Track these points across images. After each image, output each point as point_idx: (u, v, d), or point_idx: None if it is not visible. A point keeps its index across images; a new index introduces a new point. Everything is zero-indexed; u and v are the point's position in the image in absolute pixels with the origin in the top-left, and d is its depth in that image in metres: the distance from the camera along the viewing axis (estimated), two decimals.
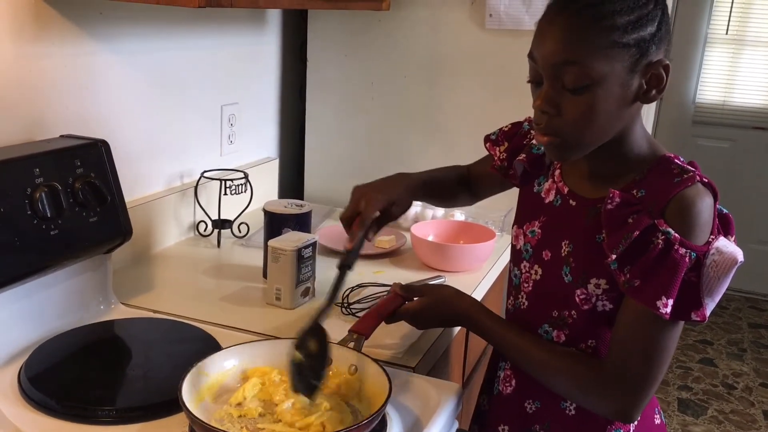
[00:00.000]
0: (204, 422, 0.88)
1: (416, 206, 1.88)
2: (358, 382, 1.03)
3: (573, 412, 1.09)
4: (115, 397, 1.08)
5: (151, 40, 1.58)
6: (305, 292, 1.41)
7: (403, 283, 1.23)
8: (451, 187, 1.39)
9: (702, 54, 4.27)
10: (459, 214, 1.84)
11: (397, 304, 1.18)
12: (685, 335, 3.84)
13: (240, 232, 1.76)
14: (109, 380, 1.11)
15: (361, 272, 1.56)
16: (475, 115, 1.95)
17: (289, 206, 1.53)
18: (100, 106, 1.46)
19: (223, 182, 1.72)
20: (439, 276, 1.49)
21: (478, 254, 1.62)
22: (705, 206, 0.95)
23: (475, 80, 1.93)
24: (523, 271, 1.14)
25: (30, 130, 1.31)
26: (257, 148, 2.08)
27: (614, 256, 0.95)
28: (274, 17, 2.06)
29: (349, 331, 1.13)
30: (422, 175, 1.34)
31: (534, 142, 1.18)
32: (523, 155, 1.18)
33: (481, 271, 1.62)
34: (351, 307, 1.36)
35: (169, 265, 1.60)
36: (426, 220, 1.79)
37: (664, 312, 0.93)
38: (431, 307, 1.17)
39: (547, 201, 1.13)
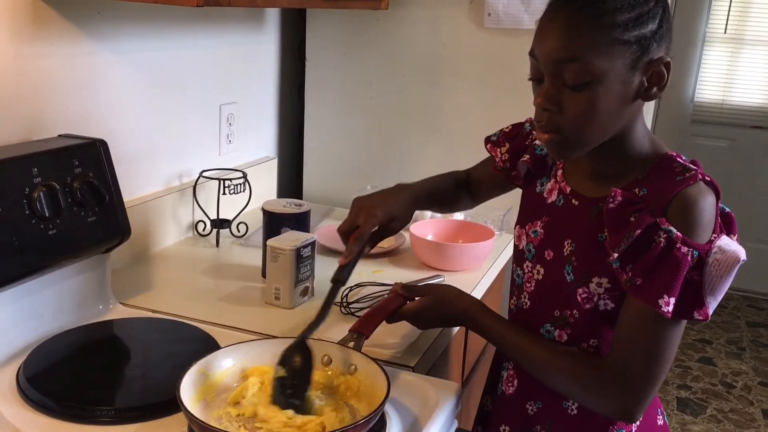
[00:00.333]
0: (202, 421, 0.88)
1: None
2: (357, 382, 1.03)
3: (575, 412, 1.08)
4: (114, 397, 1.07)
5: (150, 40, 1.58)
6: (304, 291, 1.41)
7: (402, 282, 1.23)
8: (451, 193, 1.39)
9: (700, 53, 4.27)
10: (458, 214, 1.84)
11: (398, 304, 1.18)
12: (684, 334, 3.81)
13: (239, 231, 1.75)
14: (108, 380, 1.11)
15: (360, 272, 1.55)
16: (474, 114, 1.94)
17: (288, 206, 1.52)
18: (98, 105, 1.46)
19: (222, 182, 1.71)
20: (438, 275, 1.49)
21: (477, 253, 1.61)
22: (707, 205, 0.95)
23: (473, 79, 1.93)
24: (526, 271, 1.14)
25: (28, 129, 1.31)
26: (256, 147, 2.07)
27: (616, 255, 0.95)
28: (272, 16, 2.06)
29: (350, 330, 1.13)
30: (422, 185, 1.33)
31: (537, 142, 1.18)
32: (527, 156, 1.18)
33: (480, 270, 1.62)
34: (350, 306, 1.36)
35: (167, 265, 1.59)
36: (425, 220, 1.79)
37: (666, 311, 0.92)
38: (432, 307, 1.17)
39: (549, 201, 1.13)
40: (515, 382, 1.15)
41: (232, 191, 1.73)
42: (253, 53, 2.00)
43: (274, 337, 1.18)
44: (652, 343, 0.97)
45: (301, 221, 1.51)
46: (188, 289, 1.47)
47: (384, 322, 1.17)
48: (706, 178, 0.98)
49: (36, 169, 1.14)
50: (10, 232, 1.09)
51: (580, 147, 1.00)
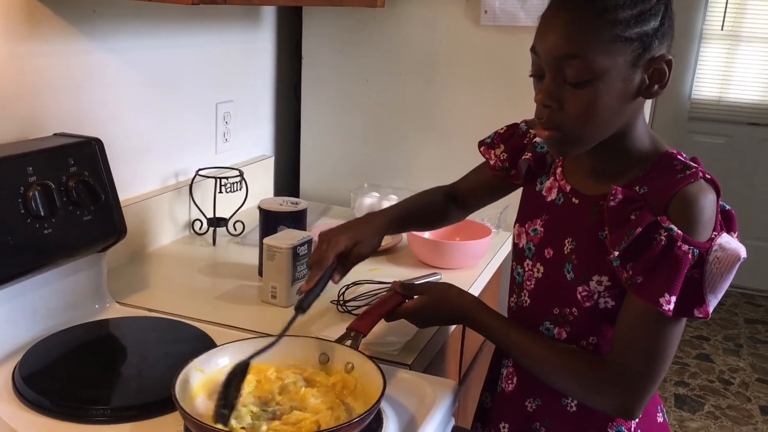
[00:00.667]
0: (197, 419, 0.88)
1: None
2: (354, 380, 1.03)
3: (574, 409, 1.08)
4: (110, 396, 1.07)
5: (146, 38, 1.58)
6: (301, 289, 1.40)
7: (400, 280, 1.23)
8: (435, 208, 1.38)
9: (697, 50, 4.27)
10: None
11: (397, 302, 1.18)
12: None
13: (235, 230, 1.75)
14: (104, 379, 1.11)
15: (357, 270, 1.55)
16: (471, 112, 1.94)
17: (285, 204, 1.52)
18: (93, 104, 1.46)
19: (218, 180, 1.71)
20: (435, 273, 1.49)
21: (474, 251, 1.61)
22: (708, 203, 0.95)
23: (470, 77, 1.93)
24: (526, 269, 1.14)
25: (23, 128, 1.30)
26: (252, 145, 2.07)
27: (617, 253, 0.95)
28: (268, 14, 2.06)
29: (347, 328, 1.13)
30: (395, 209, 1.33)
31: (537, 140, 1.17)
32: (529, 154, 1.18)
33: (477, 268, 1.62)
34: (347, 304, 1.35)
35: (164, 264, 1.59)
36: None
37: (666, 309, 0.92)
38: (431, 306, 1.17)
39: (549, 199, 1.12)
40: (514, 379, 1.15)
41: (228, 190, 1.73)
42: (249, 51, 2.00)
43: (271, 335, 1.17)
44: (652, 341, 0.97)
45: (297, 219, 1.50)
46: (185, 288, 1.47)
47: (382, 320, 1.17)
48: (707, 175, 0.98)
49: (31, 168, 1.14)
50: (5, 232, 1.08)
51: (580, 144, 1.00)
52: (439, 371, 1.41)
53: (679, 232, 0.93)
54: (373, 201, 1.89)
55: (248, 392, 1.00)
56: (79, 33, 1.39)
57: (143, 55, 1.58)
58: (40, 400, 1.00)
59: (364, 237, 1.23)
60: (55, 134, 1.32)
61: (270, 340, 1.06)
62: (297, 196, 2.15)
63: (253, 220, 1.68)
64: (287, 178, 2.27)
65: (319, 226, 1.78)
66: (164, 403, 0.97)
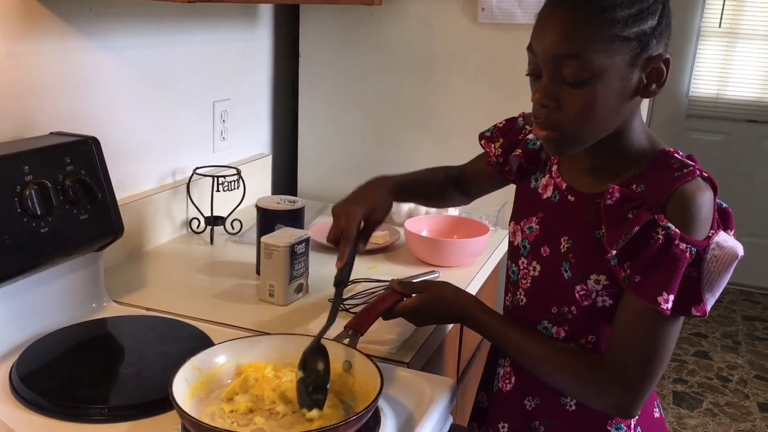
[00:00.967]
0: (194, 418, 0.87)
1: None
2: (352, 379, 1.03)
3: (573, 408, 1.08)
4: (108, 395, 1.07)
5: (142, 37, 1.57)
6: (298, 288, 1.40)
7: (397, 278, 1.23)
8: (439, 187, 1.38)
9: (695, 47, 4.27)
10: (453, 210, 1.84)
11: (395, 301, 1.18)
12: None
13: (233, 228, 1.75)
14: (102, 378, 1.11)
15: (355, 268, 1.55)
16: (469, 110, 1.94)
17: (282, 202, 1.52)
18: (90, 103, 1.46)
19: (216, 179, 1.71)
20: (433, 271, 1.49)
21: (471, 249, 1.61)
22: (705, 201, 0.95)
23: (468, 74, 1.93)
24: (521, 267, 1.14)
25: (19, 127, 1.30)
26: (250, 144, 2.07)
27: (614, 252, 0.95)
28: (265, 12, 2.05)
29: (345, 327, 1.13)
30: (403, 176, 1.33)
31: (530, 137, 1.17)
32: (519, 150, 1.18)
33: (475, 266, 1.62)
34: (345, 303, 1.35)
35: (161, 263, 1.59)
36: (420, 216, 1.79)
37: (664, 308, 0.92)
38: (430, 305, 1.16)
39: (544, 197, 1.12)
40: (513, 378, 1.15)
41: (226, 188, 1.73)
42: (246, 49, 2.00)
43: (269, 334, 1.17)
44: (650, 339, 0.97)
45: (295, 218, 1.50)
46: (182, 287, 1.47)
47: (380, 318, 1.17)
48: (704, 173, 0.97)
49: (27, 167, 1.14)
50: (2, 231, 1.08)
51: (577, 144, 1.00)
52: (437, 369, 1.41)
53: (677, 230, 0.92)
54: None
55: (245, 391, 1.00)
56: (75, 31, 1.39)
57: (140, 53, 1.58)
58: (37, 400, 1.00)
59: (376, 204, 1.25)
60: (51, 133, 1.31)
61: (324, 323, 1.09)
62: (294, 194, 2.15)
63: (250, 219, 1.67)
64: (285, 177, 2.27)
65: (316, 224, 1.78)
66: (162, 402, 0.97)
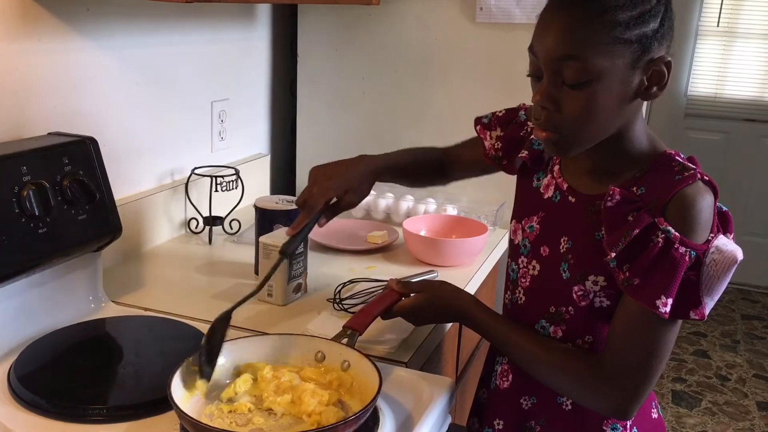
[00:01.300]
0: (192, 417, 0.87)
1: (408, 201, 1.88)
2: (350, 378, 1.03)
3: (569, 407, 1.08)
4: (106, 395, 1.07)
5: (140, 36, 1.57)
6: (297, 288, 1.40)
7: (396, 278, 1.23)
8: (422, 168, 1.38)
9: (694, 46, 4.27)
10: (451, 209, 1.84)
11: (394, 300, 1.18)
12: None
13: (231, 228, 1.75)
14: (100, 379, 1.10)
15: (354, 268, 1.55)
16: (467, 109, 1.92)
17: (280, 202, 1.52)
18: (88, 103, 1.45)
19: (214, 179, 1.71)
20: (431, 270, 1.48)
21: (470, 249, 1.61)
22: (705, 205, 0.94)
23: (466, 74, 1.93)
24: (521, 266, 1.14)
25: (17, 127, 1.30)
26: (248, 144, 2.07)
27: (613, 254, 0.95)
28: (263, 12, 2.05)
29: (344, 326, 1.13)
30: (388, 157, 1.32)
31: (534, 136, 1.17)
32: (525, 152, 1.17)
33: (474, 265, 1.62)
34: (343, 302, 1.35)
35: (160, 263, 1.59)
36: (418, 215, 1.79)
37: (663, 311, 0.92)
38: (428, 304, 1.16)
39: (546, 197, 1.12)
40: (509, 377, 1.15)
41: (224, 188, 1.73)
42: (244, 49, 2.00)
43: (267, 333, 1.17)
44: (648, 342, 0.96)
45: (293, 218, 1.48)
46: (181, 287, 1.47)
47: (378, 318, 1.17)
48: (705, 177, 0.97)
49: (25, 168, 1.13)
50: (0, 232, 1.08)
51: (578, 146, 0.99)
52: (435, 369, 1.41)
53: (677, 234, 0.92)
54: (369, 199, 1.89)
55: (244, 391, 1.00)
56: (73, 31, 1.39)
57: (138, 53, 1.58)
58: (35, 400, 1.00)
59: (353, 185, 1.25)
60: (49, 133, 1.31)
61: (253, 289, 1.10)
62: (293, 194, 2.15)
63: (249, 219, 1.67)
64: (284, 176, 2.27)
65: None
66: (160, 402, 0.97)
